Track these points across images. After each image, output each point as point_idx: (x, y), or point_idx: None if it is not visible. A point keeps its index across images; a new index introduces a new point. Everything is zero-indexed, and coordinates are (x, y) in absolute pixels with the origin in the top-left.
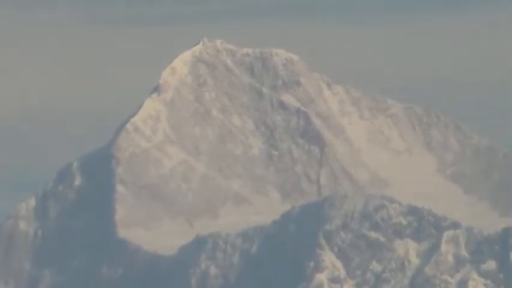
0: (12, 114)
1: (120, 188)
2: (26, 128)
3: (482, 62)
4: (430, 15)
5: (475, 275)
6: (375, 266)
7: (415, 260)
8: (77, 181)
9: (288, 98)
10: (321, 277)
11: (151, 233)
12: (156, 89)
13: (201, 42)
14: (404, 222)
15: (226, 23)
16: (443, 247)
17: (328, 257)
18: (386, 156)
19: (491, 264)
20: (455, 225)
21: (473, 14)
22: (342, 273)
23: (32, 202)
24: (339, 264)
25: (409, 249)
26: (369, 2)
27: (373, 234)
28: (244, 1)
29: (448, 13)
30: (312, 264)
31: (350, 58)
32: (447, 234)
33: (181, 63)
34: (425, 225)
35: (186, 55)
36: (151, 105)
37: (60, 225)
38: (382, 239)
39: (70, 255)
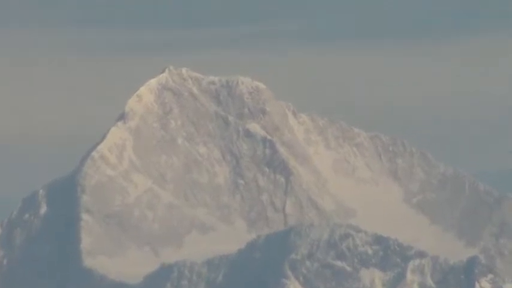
0: None
1: (85, 217)
2: None
3: (449, 91)
4: (397, 44)
5: None
6: None
7: (378, 285)
8: (43, 209)
9: (253, 127)
10: None
11: (117, 261)
12: (122, 116)
13: (166, 70)
14: (370, 251)
15: (192, 51)
16: (409, 276)
17: (294, 286)
18: (352, 185)
19: None
20: (421, 255)
21: (441, 44)
22: None
23: None
24: None
25: (375, 279)
26: (335, 31)
27: (339, 263)
28: (210, 30)
29: (417, 43)
30: None
31: (316, 87)
32: (413, 264)
33: (147, 91)
34: (391, 255)
35: (152, 83)
36: (117, 133)
37: (25, 253)
38: (347, 268)
39: (36, 283)
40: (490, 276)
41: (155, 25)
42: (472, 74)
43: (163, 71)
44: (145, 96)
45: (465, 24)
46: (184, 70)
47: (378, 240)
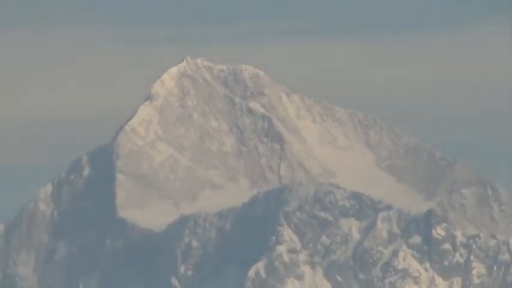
0: (38, 118)
1: (119, 177)
2: (47, 129)
3: (417, 75)
4: (380, 32)
5: (404, 247)
6: (324, 240)
7: (356, 235)
8: (86, 171)
9: (254, 106)
10: (281, 249)
11: (144, 212)
12: (149, 97)
13: (185, 60)
14: (347, 204)
15: (206, 45)
16: (379, 225)
17: (287, 233)
18: (333, 152)
19: (417, 239)
20: (389, 208)
21: (419, 33)
22: (298, 245)
23: (49, 188)
24: (295, 238)
25: (352, 227)
26: (318, 28)
27: (323, 214)
28: (221, 27)
29: (399, 30)
30: (273, 238)
31: (306, 73)
32: (382, 215)
33: (169, 77)
34: (364, 208)
35: (173, 71)
36: (145, 111)
37: (71, 207)
38: (330, 218)
39: (80, 231)
40: (444, 224)
41: (176, 23)
42: (433, 62)
43: (182, 61)
44: (167, 82)
45: (428, 18)
46: (199, 60)
47: (354, 196)
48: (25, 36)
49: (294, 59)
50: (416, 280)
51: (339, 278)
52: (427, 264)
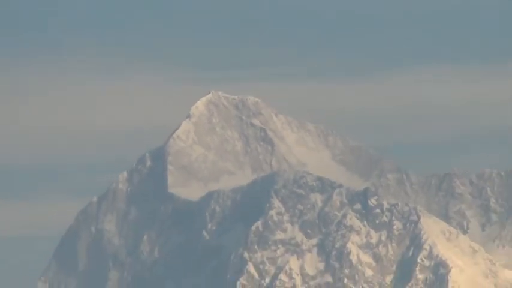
0: (118, 129)
1: (170, 167)
2: (124, 136)
3: (359, 105)
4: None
5: (350, 212)
6: (299, 207)
7: (319, 204)
8: (148, 163)
9: (255, 122)
10: (272, 212)
11: (185, 189)
12: (188, 116)
13: (211, 93)
14: (314, 184)
15: (224, 83)
16: (334, 197)
17: (276, 203)
18: (305, 151)
19: (358, 206)
20: (340, 186)
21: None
22: (283, 210)
23: (125, 174)
24: (281, 206)
25: (317, 198)
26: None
27: (299, 191)
28: (234, 71)
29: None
30: (267, 205)
31: (289, 100)
32: (336, 191)
33: (201, 103)
34: (325, 186)
35: (203, 99)
36: (186, 125)
37: (138, 186)
38: (303, 193)
39: (144, 201)
40: (376, 197)
41: (206, 66)
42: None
43: (209, 93)
44: (200, 106)
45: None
46: (220, 93)
47: (319, 178)
48: (102, 67)
49: (281, 93)
50: (358, 233)
51: (309, 231)
52: (365, 223)
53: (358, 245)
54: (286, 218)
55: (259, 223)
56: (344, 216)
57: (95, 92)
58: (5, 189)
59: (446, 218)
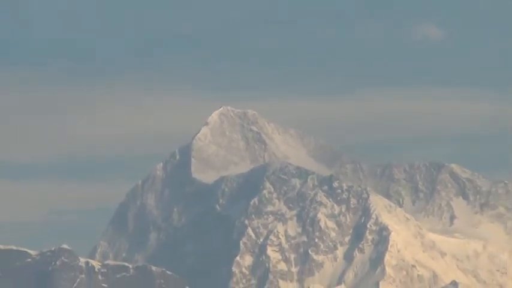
0: (157, 134)
1: (193, 161)
2: (161, 138)
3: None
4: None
5: (320, 191)
6: (284, 188)
7: (298, 186)
8: (177, 157)
9: (253, 128)
10: (265, 192)
11: (204, 175)
12: (206, 123)
13: (222, 107)
14: (294, 172)
15: (231, 100)
16: (309, 181)
17: (267, 185)
18: (288, 149)
19: (326, 187)
20: (312, 173)
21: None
22: (272, 191)
23: (161, 165)
24: (271, 187)
25: (296, 182)
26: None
27: (283, 176)
28: (237, 91)
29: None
30: (261, 187)
31: (277, 113)
32: (310, 177)
33: (215, 114)
34: (302, 173)
35: (217, 111)
36: (204, 129)
37: (170, 173)
38: (286, 178)
39: (175, 184)
40: (338, 181)
41: (219, 88)
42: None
43: (220, 107)
44: (214, 116)
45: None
46: (229, 107)
47: (298, 168)
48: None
49: (272, 108)
50: (325, 206)
51: (290, 205)
52: (330, 199)
53: (326, 215)
54: (275, 196)
55: (256, 199)
56: (315, 194)
57: (143, 108)
58: (84, 173)
59: (387, 196)
